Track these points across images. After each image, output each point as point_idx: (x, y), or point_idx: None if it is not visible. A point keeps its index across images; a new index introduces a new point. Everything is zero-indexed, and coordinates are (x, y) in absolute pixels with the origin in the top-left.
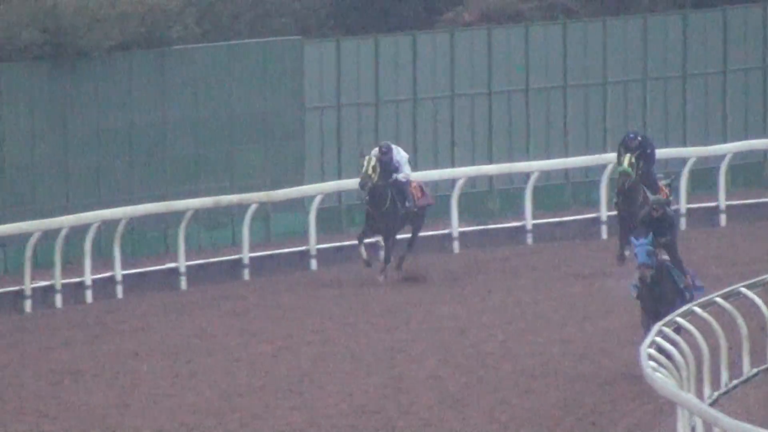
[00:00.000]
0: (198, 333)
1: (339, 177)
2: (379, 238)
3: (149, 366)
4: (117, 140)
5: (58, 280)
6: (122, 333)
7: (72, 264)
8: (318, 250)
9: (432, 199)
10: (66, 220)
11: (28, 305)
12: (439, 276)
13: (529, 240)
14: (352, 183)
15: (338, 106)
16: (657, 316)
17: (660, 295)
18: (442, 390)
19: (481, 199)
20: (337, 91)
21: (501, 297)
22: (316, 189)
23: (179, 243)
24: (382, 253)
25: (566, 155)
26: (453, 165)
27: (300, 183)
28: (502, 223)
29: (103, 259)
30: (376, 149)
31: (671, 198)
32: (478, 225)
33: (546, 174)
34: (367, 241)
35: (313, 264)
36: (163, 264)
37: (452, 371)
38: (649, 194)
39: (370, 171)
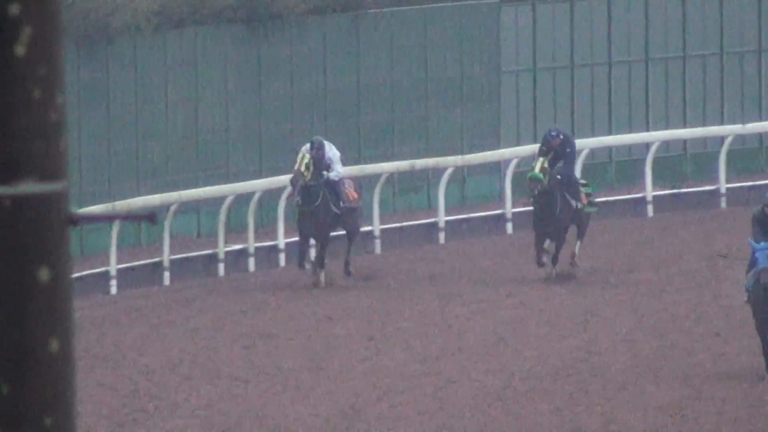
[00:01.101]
0: (393, 296)
1: (534, 141)
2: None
3: (343, 329)
4: (311, 104)
5: (252, 244)
6: (315, 296)
7: (265, 228)
8: (513, 213)
9: (358, 200)
10: (259, 184)
11: (221, 269)
12: (632, 240)
13: (723, 204)
14: None
15: (534, 70)
16: None
17: None
18: (635, 353)
19: (674, 163)
20: (532, 54)
21: (694, 260)
22: (512, 153)
23: (374, 207)
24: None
25: (760, 119)
26: (647, 129)
27: (495, 147)
28: (695, 186)
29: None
30: (308, 145)
31: (592, 207)
32: (671, 189)
33: (740, 138)
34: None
35: (509, 228)
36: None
37: (645, 334)
38: (568, 197)
39: (303, 169)
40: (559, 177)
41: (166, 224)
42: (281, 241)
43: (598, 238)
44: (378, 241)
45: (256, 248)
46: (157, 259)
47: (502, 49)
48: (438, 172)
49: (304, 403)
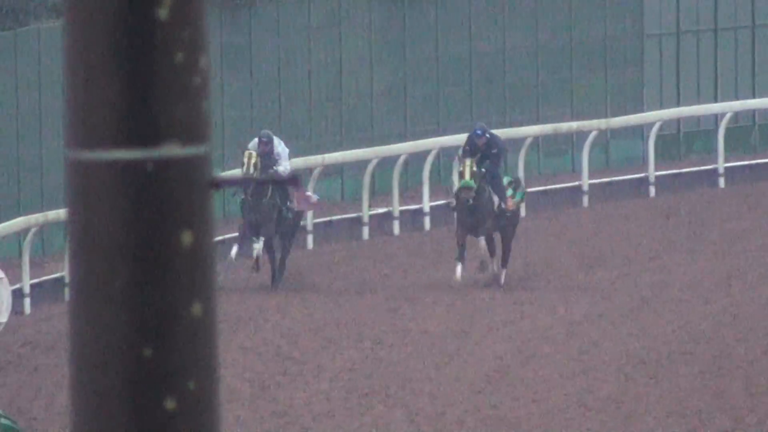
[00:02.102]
0: (537, 260)
1: (677, 104)
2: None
3: (488, 293)
4: (455, 67)
5: (396, 207)
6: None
7: (410, 191)
8: (656, 177)
9: (314, 203)
10: (404, 147)
11: (365, 232)
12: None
13: None
14: (687, 110)
15: (677, 33)
16: None
17: None
18: None
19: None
20: (676, 18)
21: None
22: (655, 116)
23: (519, 170)
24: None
25: None
26: None
27: (639, 110)
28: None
29: (439, 186)
30: (255, 141)
31: (517, 209)
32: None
33: None
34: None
35: (652, 191)
36: None
37: None
38: (492, 195)
39: (251, 170)
40: (483, 170)
41: (310, 188)
42: (426, 205)
43: (745, 201)
44: (522, 205)
45: (401, 211)
46: (300, 223)
47: (646, 12)
48: (582, 135)
49: (449, 367)
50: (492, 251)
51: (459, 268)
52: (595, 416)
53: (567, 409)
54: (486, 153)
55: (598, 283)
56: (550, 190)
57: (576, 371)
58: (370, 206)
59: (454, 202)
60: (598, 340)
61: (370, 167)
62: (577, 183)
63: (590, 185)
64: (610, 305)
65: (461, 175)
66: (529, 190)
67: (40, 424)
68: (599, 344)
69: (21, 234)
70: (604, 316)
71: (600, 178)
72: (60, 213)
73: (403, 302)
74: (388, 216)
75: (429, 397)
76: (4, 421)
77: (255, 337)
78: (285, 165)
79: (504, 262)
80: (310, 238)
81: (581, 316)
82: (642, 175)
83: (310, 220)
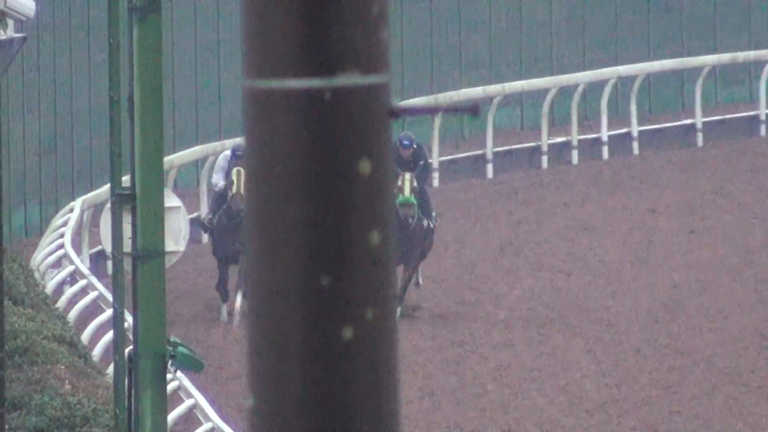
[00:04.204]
0: (714, 189)
1: None
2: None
3: (665, 222)
4: None
5: (575, 137)
6: (638, 189)
7: (588, 120)
8: None
9: None
10: (583, 77)
11: (544, 161)
12: None
13: None
14: None
15: None
16: None
17: None
18: None
19: None
20: None
21: None
22: None
23: (696, 99)
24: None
25: None
26: None
27: None
28: None
29: (619, 115)
30: (228, 153)
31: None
32: None
33: None
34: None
35: None
36: (679, 120)
37: None
38: (421, 217)
39: (242, 190)
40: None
41: (489, 116)
42: (604, 134)
43: None
44: (700, 135)
45: (579, 140)
46: (479, 152)
47: None
48: (759, 64)
49: (626, 296)
50: (410, 277)
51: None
52: None
53: (743, 339)
54: (411, 165)
55: None
56: (727, 119)
57: (753, 301)
58: (549, 135)
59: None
60: None
61: (549, 96)
62: (754, 113)
63: (767, 114)
64: None
65: (400, 190)
66: (706, 119)
67: (217, 352)
68: None
69: (199, 162)
70: None
71: None
72: (238, 141)
73: (581, 231)
74: (566, 145)
75: (606, 327)
76: (181, 349)
77: (434, 266)
78: (216, 177)
79: (404, 288)
80: (489, 167)
81: (759, 245)
82: None
83: (489, 149)
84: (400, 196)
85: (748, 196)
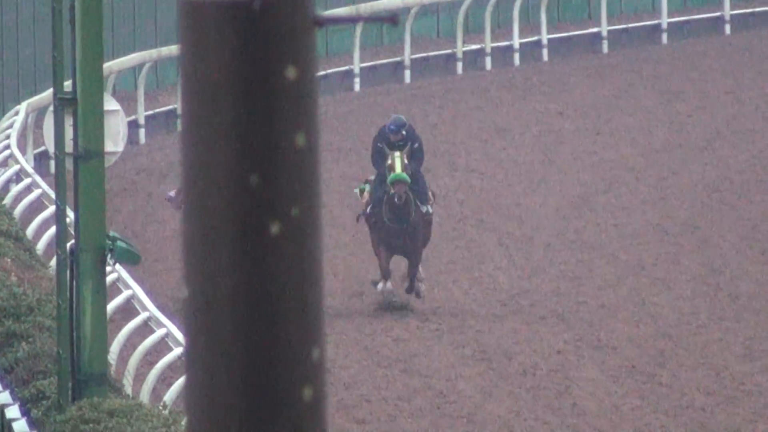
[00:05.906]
0: (618, 94)
1: None
2: None
3: (573, 124)
4: None
5: (488, 44)
6: (547, 94)
7: (501, 28)
8: (731, 15)
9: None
10: None
11: (459, 67)
12: None
13: None
14: None
15: None
16: None
17: None
18: None
19: None
20: None
21: None
22: None
23: (602, 8)
24: None
25: None
26: None
27: None
28: None
29: (530, 24)
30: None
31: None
32: None
33: None
34: None
35: (727, 29)
36: (586, 29)
37: None
38: (418, 202)
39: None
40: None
41: (407, 25)
42: (516, 41)
43: None
44: (605, 42)
45: (492, 48)
46: (398, 59)
47: None
48: None
49: (536, 194)
50: (415, 268)
51: (382, 284)
52: (673, 240)
53: (646, 234)
54: (408, 149)
55: (676, 115)
56: (631, 28)
57: (655, 198)
58: (463, 43)
59: (367, 210)
60: (675, 169)
61: (464, 6)
62: (656, 21)
63: (669, 23)
64: (686, 136)
65: (390, 168)
66: (611, 27)
67: (153, 246)
68: (677, 172)
69: (137, 68)
70: (681, 146)
71: (678, 16)
72: (173, 49)
73: (494, 133)
74: (480, 52)
75: (518, 223)
76: (120, 243)
77: (354, 166)
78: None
79: (413, 276)
80: (407, 73)
81: (660, 146)
82: (717, 14)
83: (407, 55)
84: (392, 174)
85: (650, 100)
